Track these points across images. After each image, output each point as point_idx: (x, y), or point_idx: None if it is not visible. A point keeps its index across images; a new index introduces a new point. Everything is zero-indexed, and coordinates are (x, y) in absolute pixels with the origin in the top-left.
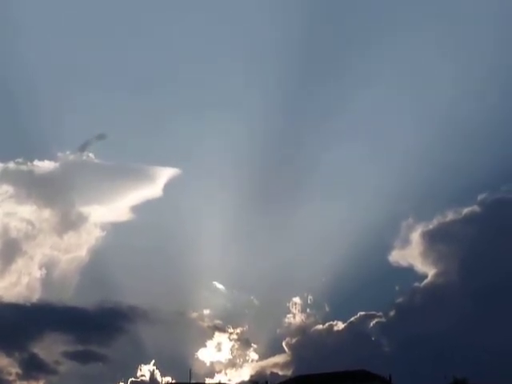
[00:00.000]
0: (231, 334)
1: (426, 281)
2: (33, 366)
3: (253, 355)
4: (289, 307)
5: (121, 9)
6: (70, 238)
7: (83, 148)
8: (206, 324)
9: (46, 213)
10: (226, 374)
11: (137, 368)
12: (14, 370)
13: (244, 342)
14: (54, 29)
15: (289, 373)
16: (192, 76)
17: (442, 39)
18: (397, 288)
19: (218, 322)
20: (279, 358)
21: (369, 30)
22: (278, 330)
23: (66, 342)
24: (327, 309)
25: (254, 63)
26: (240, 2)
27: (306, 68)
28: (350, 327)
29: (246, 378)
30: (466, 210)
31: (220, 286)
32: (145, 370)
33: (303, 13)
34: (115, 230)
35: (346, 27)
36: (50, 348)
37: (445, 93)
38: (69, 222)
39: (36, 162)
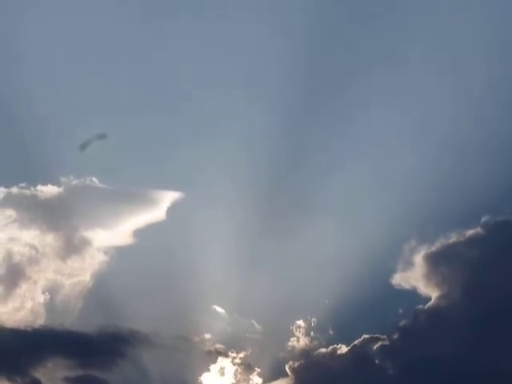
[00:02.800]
0: (234, 358)
1: (429, 303)
2: None
3: (256, 379)
4: (292, 330)
5: (126, 34)
6: (73, 262)
7: (83, 147)
8: (208, 348)
9: (50, 237)
10: None
11: None
12: None
13: (247, 367)
14: (57, 54)
15: None
16: (194, 101)
17: (442, 62)
18: (400, 311)
19: (219, 346)
20: (282, 382)
21: (370, 54)
22: (280, 354)
23: (67, 366)
24: (331, 332)
25: (257, 88)
26: (241, 28)
27: (307, 92)
28: (354, 350)
29: None
30: (469, 232)
31: (220, 310)
32: None
33: (305, 38)
34: (118, 255)
35: (348, 51)
36: (52, 373)
37: (446, 115)
38: (72, 247)
39: (39, 187)
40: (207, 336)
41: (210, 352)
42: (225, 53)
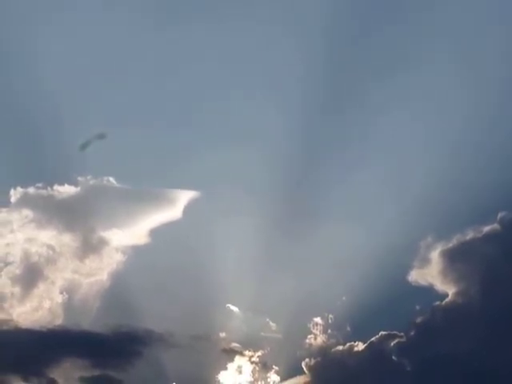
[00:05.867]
0: (251, 356)
1: (446, 300)
2: None
3: (274, 377)
4: (310, 328)
5: (146, 44)
6: (91, 262)
7: (83, 147)
8: (223, 347)
9: (67, 237)
10: None
11: None
12: None
13: (264, 365)
14: (77, 56)
15: None
16: (212, 102)
17: (459, 66)
18: (417, 307)
19: (235, 345)
20: (299, 380)
21: (385, 60)
22: (298, 352)
23: (83, 366)
24: (348, 329)
25: (274, 90)
26: (259, 34)
27: (323, 97)
28: (371, 347)
29: None
30: (485, 229)
31: (235, 309)
32: None
33: (323, 46)
34: (135, 254)
35: (366, 56)
36: (68, 373)
37: (462, 114)
38: (89, 247)
39: (56, 187)
40: (222, 335)
41: (225, 351)
42: (244, 57)
